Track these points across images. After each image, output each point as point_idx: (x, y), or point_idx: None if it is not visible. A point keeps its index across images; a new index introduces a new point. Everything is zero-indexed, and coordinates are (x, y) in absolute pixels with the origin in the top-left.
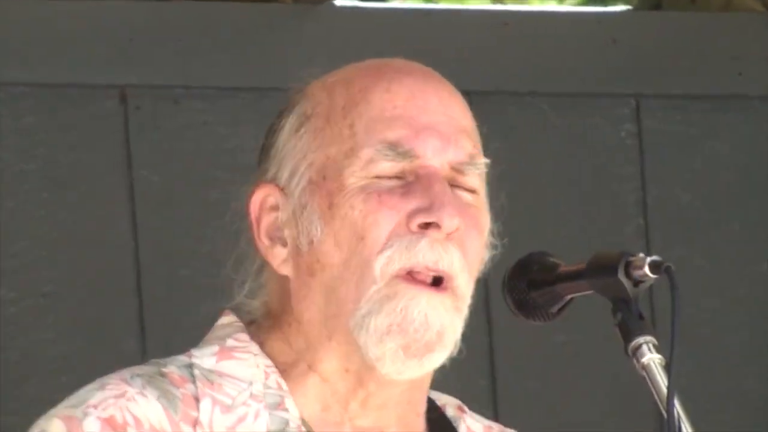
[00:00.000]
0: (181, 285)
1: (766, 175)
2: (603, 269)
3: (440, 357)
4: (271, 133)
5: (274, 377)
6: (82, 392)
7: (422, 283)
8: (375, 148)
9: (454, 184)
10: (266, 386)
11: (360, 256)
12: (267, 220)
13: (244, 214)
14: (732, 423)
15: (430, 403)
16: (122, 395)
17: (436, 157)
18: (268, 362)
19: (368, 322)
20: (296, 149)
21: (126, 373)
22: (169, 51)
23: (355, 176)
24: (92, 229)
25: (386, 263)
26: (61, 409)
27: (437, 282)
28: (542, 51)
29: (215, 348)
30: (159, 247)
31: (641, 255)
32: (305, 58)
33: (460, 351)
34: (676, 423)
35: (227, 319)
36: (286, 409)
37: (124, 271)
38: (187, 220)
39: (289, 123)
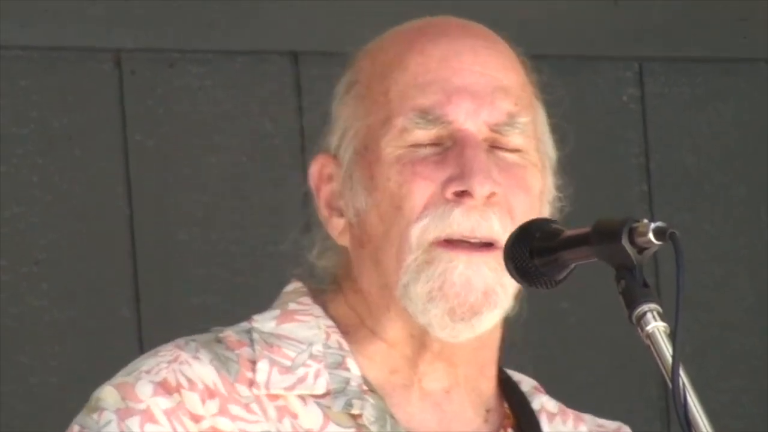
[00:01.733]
0: (177, 251)
1: None
2: (606, 236)
3: (491, 317)
4: (331, 98)
5: (336, 337)
6: (136, 361)
7: (460, 247)
8: (407, 116)
9: (495, 145)
10: (327, 346)
11: (398, 227)
12: (325, 190)
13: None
14: (738, 389)
15: (508, 377)
16: (175, 360)
17: (469, 120)
18: (330, 323)
19: (410, 290)
20: (342, 118)
21: (181, 340)
22: (164, 14)
23: (390, 146)
24: (87, 195)
25: (422, 233)
26: (115, 378)
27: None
28: (544, 13)
29: (276, 312)
30: (154, 212)
31: (645, 221)
32: (304, 21)
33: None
34: (681, 392)
35: (292, 286)
36: (347, 369)
37: (118, 237)
38: (183, 185)
39: (339, 90)
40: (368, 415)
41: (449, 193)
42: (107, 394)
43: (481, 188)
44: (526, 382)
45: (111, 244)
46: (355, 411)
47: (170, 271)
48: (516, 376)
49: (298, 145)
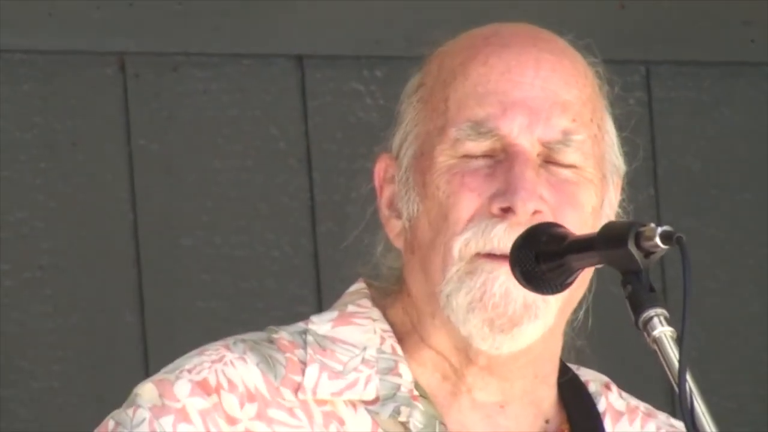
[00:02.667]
0: (181, 256)
1: None
2: (613, 240)
3: (532, 329)
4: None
5: (390, 342)
6: (181, 359)
7: (502, 259)
8: (460, 127)
9: (549, 160)
10: (380, 351)
11: (443, 236)
12: (387, 190)
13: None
14: (744, 395)
15: (573, 378)
16: (219, 360)
17: (522, 135)
18: (386, 327)
19: (452, 300)
20: (406, 120)
21: (231, 339)
22: (168, 17)
23: (444, 155)
24: (90, 200)
25: (464, 245)
26: (158, 375)
27: None
28: (550, 16)
29: (334, 314)
30: (158, 217)
31: (652, 225)
32: (309, 24)
33: None
34: (688, 397)
35: (356, 286)
36: (398, 374)
37: (123, 243)
38: (188, 190)
39: (408, 90)
40: (415, 421)
41: (495, 208)
42: (146, 390)
43: (523, 206)
44: (594, 382)
45: (115, 249)
46: (401, 418)
47: (174, 277)
48: (585, 375)
49: (303, 149)
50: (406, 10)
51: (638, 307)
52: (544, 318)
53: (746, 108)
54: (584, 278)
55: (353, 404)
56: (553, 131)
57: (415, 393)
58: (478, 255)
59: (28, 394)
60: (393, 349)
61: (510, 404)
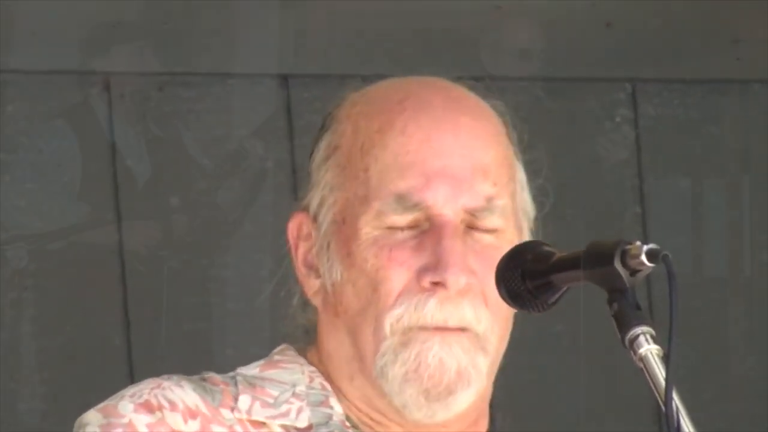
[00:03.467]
0: (167, 277)
1: (765, 161)
2: (599, 258)
3: (466, 396)
4: (311, 153)
5: (319, 380)
6: (120, 391)
7: (434, 329)
8: (384, 201)
9: (472, 227)
10: (309, 387)
11: (375, 308)
12: (303, 248)
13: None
14: (733, 414)
15: None
16: (158, 386)
17: (447, 204)
18: (314, 369)
19: (387, 371)
20: (323, 182)
21: (165, 375)
22: (154, 37)
23: (369, 226)
24: (75, 220)
25: (396, 321)
26: (100, 404)
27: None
28: (536, 35)
29: (261, 362)
30: (144, 238)
31: (638, 243)
32: (294, 44)
33: None
34: (675, 416)
35: (280, 347)
36: (330, 407)
37: (108, 263)
38: (173, 211)
39: (319, 151)
40: None
41: (425, 282)
42: (89, 416)
43: (456, 281)
44: None
45: (100, 271)
46: None
47: (160, 298)
48: None
49: (289, 168)
50: (390, 29)
51: (624, 326)
52: (477, 384)
53: (733, 125)
54: (504, 336)
55: (287, 429)
56: (477, 198)
57: (347, 424)
58: (410, 328)
59: (14, 415)
60: (322, 386)
61: None
